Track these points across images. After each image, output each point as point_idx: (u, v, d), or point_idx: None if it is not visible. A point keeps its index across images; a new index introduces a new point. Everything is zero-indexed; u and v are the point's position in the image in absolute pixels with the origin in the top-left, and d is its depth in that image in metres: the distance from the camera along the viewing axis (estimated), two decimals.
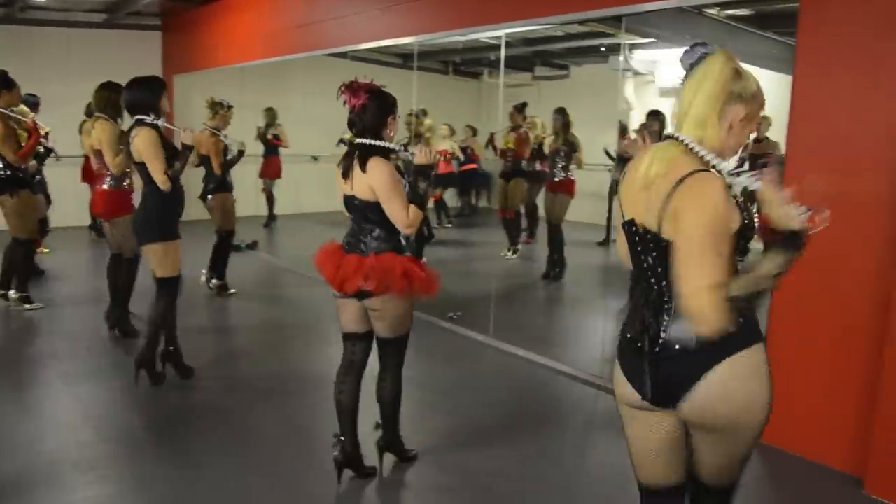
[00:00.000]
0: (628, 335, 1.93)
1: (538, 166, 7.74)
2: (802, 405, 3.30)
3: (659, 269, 1.82)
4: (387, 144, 2.97)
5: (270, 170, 9.98)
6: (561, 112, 7.14)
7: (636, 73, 7.83)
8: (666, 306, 1.83)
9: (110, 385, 4.29)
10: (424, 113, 8.35)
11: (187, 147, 4.12)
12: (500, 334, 5.35)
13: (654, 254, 1.81)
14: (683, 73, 1.87)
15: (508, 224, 8.06)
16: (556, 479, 3.31)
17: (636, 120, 7.87)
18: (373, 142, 2.93)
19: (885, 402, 3.14)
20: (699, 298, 1.66)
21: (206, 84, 9.54)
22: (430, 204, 9.91)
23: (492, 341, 5.33)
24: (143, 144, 3.95)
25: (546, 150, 7.50)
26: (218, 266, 6.50)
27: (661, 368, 1.83)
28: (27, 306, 5.76)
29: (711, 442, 1.91)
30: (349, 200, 3.02)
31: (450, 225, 10.32)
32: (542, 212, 7.81)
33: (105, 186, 4.94)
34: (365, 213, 2.97)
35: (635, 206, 1.86)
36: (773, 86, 2.28)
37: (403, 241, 3.06)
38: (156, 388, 4.18)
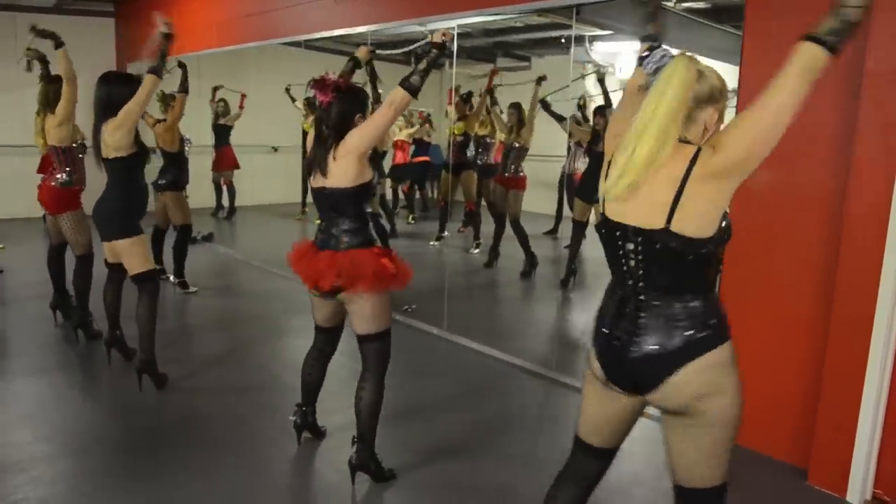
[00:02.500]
0: (604, 329, 1.94)
1: (488, 159, 7.76)
2: (746, 395, 3.30)
3: (640, 272, 1.84)
4: None
5: (225, 161, 9.78)
6: (516, 107, 7.07)
7: (597, 65, 7.83)
8: (643, 304, 1.85)
9: (53, 382, 4.18)
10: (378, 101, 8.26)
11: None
12: (452, 327, 5.32)
13: (641, 256, 1.82)
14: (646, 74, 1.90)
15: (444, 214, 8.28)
16: (511, 479, 3.27)
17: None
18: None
19: (827, 393, 3.15)
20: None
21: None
22: (389, 196, 9.89)
23: (445, 334, 5.28)
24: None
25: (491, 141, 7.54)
26: (178, 263, 6.37)
27: (635, 366, 1.86)
28: None
29: (681, 430, 1.89)
30: (319, 193, 2.97)
31: (413, 222, 10.28)
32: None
33: (54, 183, 4.78)
34: (336, 203, 2.91)
35: (622, 208, 1.84)
36: (729, 78, 2.25)
37: (373, 233, 3.05)
38: (121, 389, 4.07)
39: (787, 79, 1.63)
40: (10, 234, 8.19)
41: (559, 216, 7.90)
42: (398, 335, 5.23)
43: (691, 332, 1.80)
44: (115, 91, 3.91)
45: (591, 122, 6.34)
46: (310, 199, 3.31)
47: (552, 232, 8.10)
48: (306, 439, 3.47)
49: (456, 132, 7.74)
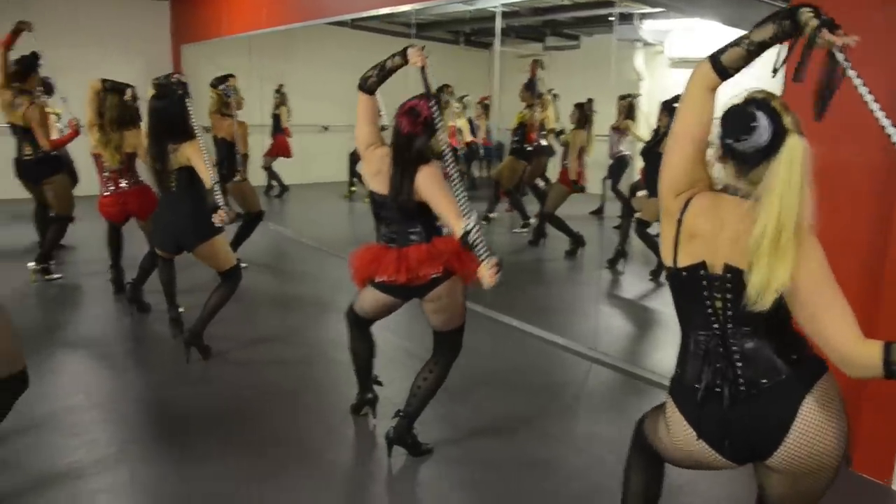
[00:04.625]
0: (694, 385, 1.82)
1: (543, 142, 7.71)
2: None
3: (729, 312, 1.76)
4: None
5: (276, 148, 9.94)
6: (579, 107, 6.92)
7: (647, 44, 7.71)
8: (733, 347, 1.77)
9: (107, 352, 4.34)
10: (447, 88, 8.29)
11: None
12: (497, 305, 5.34)
13: (730, 296, 1.74)
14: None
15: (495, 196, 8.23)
16: (548, 457, 3.30)
17: (646, 91, 7.82)
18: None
19: (873, 381, 3.08)
20: (860, 346, 1.57)
21: (214, 54, 9.53)
22: None
23: (488, 312, 5.31)
24: (195, 153, 3.90)
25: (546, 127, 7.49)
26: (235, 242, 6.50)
27: (750, 412, 1.75)
28: (47, 277, 5.80)
29: (794, 484, 1.79)
30: (385, 200, 2.95)
31: None
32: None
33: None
34: (407, 211, 2.90)
35: (708, 246, 1.76)
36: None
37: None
38: (185, 365, 4.14)
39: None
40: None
41: (605, 196, 7.85)
42: None
43: (793, 357, 1.73)
44: (174, 107, 3.98)
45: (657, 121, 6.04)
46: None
47: (598, 212, 8.05)
48: (337, 409, 3.59)
49: (516, 120, 7.71)
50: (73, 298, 5.54)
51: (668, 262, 1.86)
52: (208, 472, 3.01)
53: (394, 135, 2.90)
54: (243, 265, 6.36)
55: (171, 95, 4.02)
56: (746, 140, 1.67)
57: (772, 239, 1.60)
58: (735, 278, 1.71)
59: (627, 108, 7.16)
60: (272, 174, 10.22)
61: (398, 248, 2.94)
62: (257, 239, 7.68)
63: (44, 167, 5.60)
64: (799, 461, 1.72)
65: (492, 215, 8.39)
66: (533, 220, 8.03)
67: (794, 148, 1.62)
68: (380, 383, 3.56)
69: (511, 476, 3.07)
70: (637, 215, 6.22)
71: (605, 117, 7.15)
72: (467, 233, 2.61)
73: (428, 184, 2.81)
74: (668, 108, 5.62)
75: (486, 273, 2.54)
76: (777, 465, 1.76)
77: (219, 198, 3.70)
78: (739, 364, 1.76)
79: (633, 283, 6.51)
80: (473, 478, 3.06)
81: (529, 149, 7.68)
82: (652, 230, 5.88)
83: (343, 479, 3.06)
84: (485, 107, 9.66)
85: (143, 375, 4.07)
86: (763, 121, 1.65)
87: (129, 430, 3.38)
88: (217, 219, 3.64)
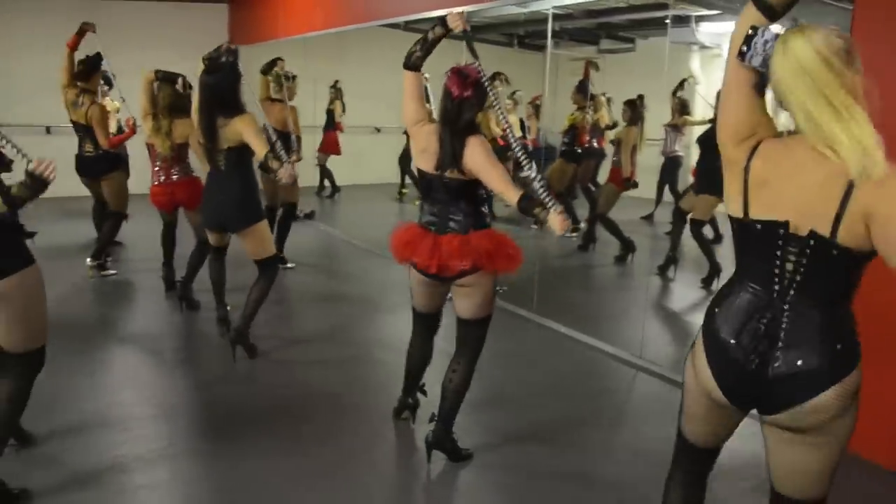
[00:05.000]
0: (730, 340, 1.75)
1: (595, 144, 7.63)
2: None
3: (798, 277, 1.66)
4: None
5: (327, 144, 10.03)
6: (630, 104, 6.85)
7: (703, 47, 7.56)
8: (785, 317, 1.68)
9: (156, 349, 4.44)
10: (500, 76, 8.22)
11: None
12: (542, 310, 5.29)
13: (805, 261, 1.64)
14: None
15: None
16: (588, 468, 3.25)
17: (703, 93, 7.66)
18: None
19: None
20: None
21: (269, 56, 9.64)
22: None
23: (534, 317, 5.27)
24: (247, 127, 3.85)
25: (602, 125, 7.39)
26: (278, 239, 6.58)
27: (774, 385, 1.70)
28: (102, 273, 5.95)
29: (798, 445, 1.76)
30: (433, 180, 2.92)
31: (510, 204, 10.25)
32: None
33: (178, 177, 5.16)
34: (453, 191, 2.88)
35: (785, 198, 1.64)
36: None
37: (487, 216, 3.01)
38: (230, 365, 4.18)
39: None
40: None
41: (658, 201, 7.72)
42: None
43: (837, 346, 1.66)
44: (225, 82, 3.93)
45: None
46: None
47: (649, 217, 7.92)
48: (380, 411, 3.60)
49: (567, 122, 7.66)
50: (125, 294, 5.68)
51: (736, 213, 1.73)
52: (249, 471, 3.03)
53: (443, 99, 2.87)
54: (290, 265, 6.49)
55: (222, 70, 3.97)
56: (748, 52, 1.61)
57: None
58: (819, 245, 1.60)
59: (681, 105, 7.04)
60: (326, 173, 10.29)
61: (435, 234, 2.92)
62: (306, 239, 7.78)
63: (103, 163, 5.77)
64: (799, 419, 1.69)
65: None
66: (583, 225, 7.95)
67: (790, 42, 1.55)
68: (424, 392, 3.54)
69: (550, 485, 3.03)
70: (690, 215, 6.08)
71: (658, 120, 7.04)
72: (525, 196, 2.63)
73: (477, 154, 2.78)
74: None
75: (556, 219, 2.61)
76: (777, 421, 1.74)
77: (282, 153, 3.75)
78: (783, 337, 1.68)
79: (684, 290, 6.38)
80: (512, 485, 3.03)
81: (580, 151, 7.61)
82: (706, 231, 5.77)
83: (382, 483, 3.05)
84: (535, 107, 9.58)
85: (190, 373, 4.14)
86: (759, 30, 1.60)
87: (174, 426, 3.43)
88: (283, 173, 3.62)
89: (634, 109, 6.79)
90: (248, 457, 3.14)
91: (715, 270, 5.94)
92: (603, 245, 7.43)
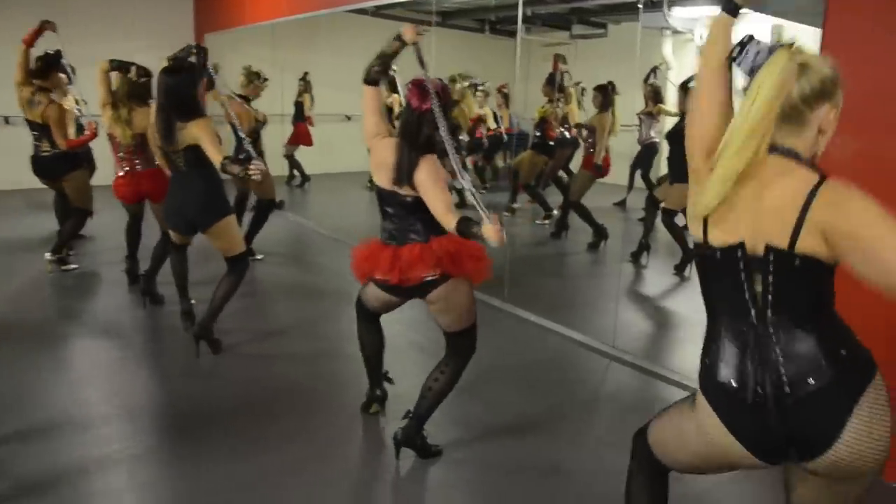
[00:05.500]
0: (732, 383, 1.66)
1: (567, 134, 7.58)
2: None
3: (769, 297, 1.59)
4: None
5: (297, 136, 9.91)
6: (601, 90, 6.80)
7: (675, 32, 7.51)
8: (774, 339, 1.60)
9: (119, 345, 4.32)
10: (460, 78, 8.16)
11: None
12: (514, 299, 5.23)
13: (771, 278, 1.58)
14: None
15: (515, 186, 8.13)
16: (561, 461, 3.19)
17: (674, 79, 7.62)
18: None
19: None
20: None
21: (237, 43, 9.48)
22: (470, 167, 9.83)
23: (506, 307, 5.21)
24: (203, 132, 3.76)
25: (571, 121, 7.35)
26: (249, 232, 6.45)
27: (798, 420, 1.59)
28: (63, 267, 5.78)
29: (828, 487, 1.67)
30: (390, 196, 2.87)
31: (484, 191, 10.22)
32: None
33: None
34: (412, 206, 2.82)
35: (747, 218, 1.60)
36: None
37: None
38: (192, 359, 4.07)
39: None
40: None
41: (630, 187, 7.70)
42: None
43: (841, 352, 1.58)
44: (183, 84, 3.85)
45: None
46: None
47: (621, 203, 7.90)
48: (348, 406, 3.52)
49: (537, 114, 7.61)
50: (88, 289, 5.52)
51: (696, 233, 1.69)
52: (214, 471, 2.93)
53: (405, 112, 2.83)
54: (259, 257, 6.37)
55: (181, 72, 3.88)
56: (739, 59, 1.62)
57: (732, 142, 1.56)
58: (779, 259, 1.56)
59: (654, 93, 7.01)
60: (294, 163, 10.18)
61: (396, 246, 2.86)
62: (275, 230, 7.64)
63: (61, 163, 5.54)
64: (842, 466, 1.58)
65: (514, 206, 8.27)
66: (556, 212, 7.90)
67: (778, 56, 1.55)
68: (390, 380, 3.48)
69: (522, 481, 2.96)
70: (662, 204, 6.04)
71: (631, 106, 6.99)
72: (462, 220, 2.58)
73: (424, 176, 2.73)
74: (686, 88, 5.60)
75: (490, 231, 2.51)
76: (818, 469, 1.62)
77: (250, 149, 3.73)
78: (782, 360, 1.59)
79: (657, 278, 6.35)
80: (482, 481, 2.96)
81: (551, 144, 7.56)
82: (679, 220, 5.72)
83: (350, 480, 2.97)
84: (504, 95, 9.52)
85: (154, 369, 4.03)
86: (756, 41, 1.60)
87: (137, 426, 3.32)
88: (253, 170, 3.50)
89: (606, 95, 6.74)
90: (213, 457, 3.04)
91: (688, 257, 5.91)
92: (575, 232, 7.40)
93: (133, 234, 5.36)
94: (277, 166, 9.98)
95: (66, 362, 4.04)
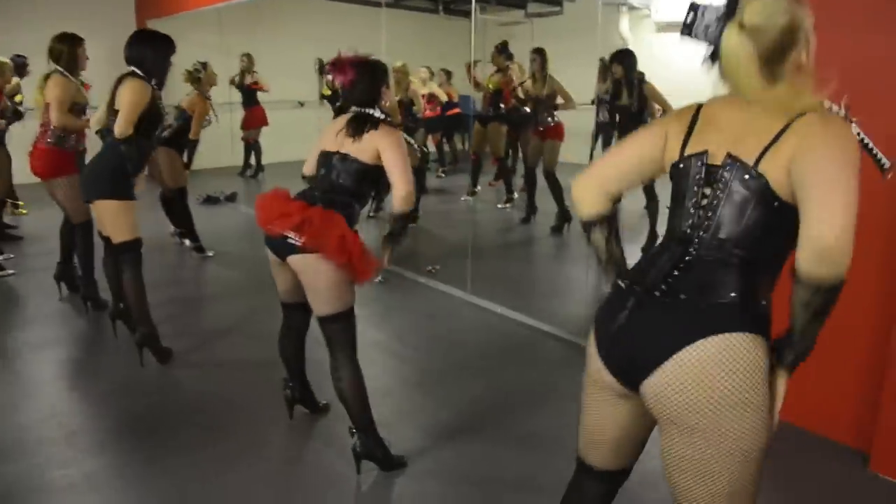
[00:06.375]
0: (620, 283, 1.63)
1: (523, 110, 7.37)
2: (805, 376, 2.96)
3: (710, 213, 1.51)
4: (382, 116, 2.83)
5: (255, 119, 9.56)
6: (539, 52, 6.65)
7: (632, 8, 7.36)
8: (689, 256, 1.53)
9: (57, 357, 4.03)
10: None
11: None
12: (477, 290, 5.04)
13: (720, 192, 1.50)
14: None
15: (476, 168, 7.87)
16: (532, 467, 3.00)
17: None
18: (374, 112, 2.82)
19: (892, 377, 2.81)
20: (842, 239, 1.31)
21: (183, 29, 9.07)
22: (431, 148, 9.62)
23: (470, 297, 5.01)
24: (128, 94, 3.61)
25: (521, 94, 7.11)
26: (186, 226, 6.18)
27: (643, 319, 1.52)
28: None
29: (680, 449, 1.51)
30: (331, 156, 2.82)
31: (443, 175, 10.03)
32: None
33: (46, 143, 4.53)
34: (348, 173, 2.77)
35: (718, 138, 1.54)
36: None
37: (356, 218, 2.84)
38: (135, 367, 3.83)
39: None
40: (29, 200, 7.99)
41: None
42: (419, 298, 5.05)
43: (742, 301, 1.46)
44: (141, 53, 3.77)
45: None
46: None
47: None
48: (307, 416, 3.30)
49: (490, 86, 7.38)
50: (23, 297, 5.16)
51: (673, 157, 1.62)
52: (160, 494, 2.70)
53: (341, 96, 2.87)
54: (209, 253, 6.09)
55: None
56: (692, 30, 1.53)
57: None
58: (735, 172, 1.48)
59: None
60: (256, 149, 9.85)
61: (309, 204, 2.69)
62: (228, 223, 7.38)
63: None
64: (669, 400, 1.47)
65: (476, 189, 8.07)
66: (516, 195, 7.75)
67: (726, 38, 1.47)
68: (315, 405, 3.33)
69: (492, 492, 2.77)
70: None
71: (590, 85, 6.81)
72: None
73: (389, 139, 2.73)
74: (619, 56, 5.81)
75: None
76: (646, 394, 1.53)
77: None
78: (677, 272, 1.51)
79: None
80: (450, 494, 2.75)
81: (512, 113, 7.36)
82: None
83: (308, 499, 2.74)
84: (447, 73, 9.38)
85: (94, 384, 3.73)
86: (702, 7, 1.52)
87: (75, 450, 3.05)
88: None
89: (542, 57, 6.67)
90: (157, 480, 2.80)
91: (654, 237, 5.79)
92: (542, 216, 7.19)
93: (66, 233, 4.96)
94: (229, 156, 9.68)
95: (2, 382, 3.75)
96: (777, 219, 1.45)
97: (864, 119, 1.52)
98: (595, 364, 1.64)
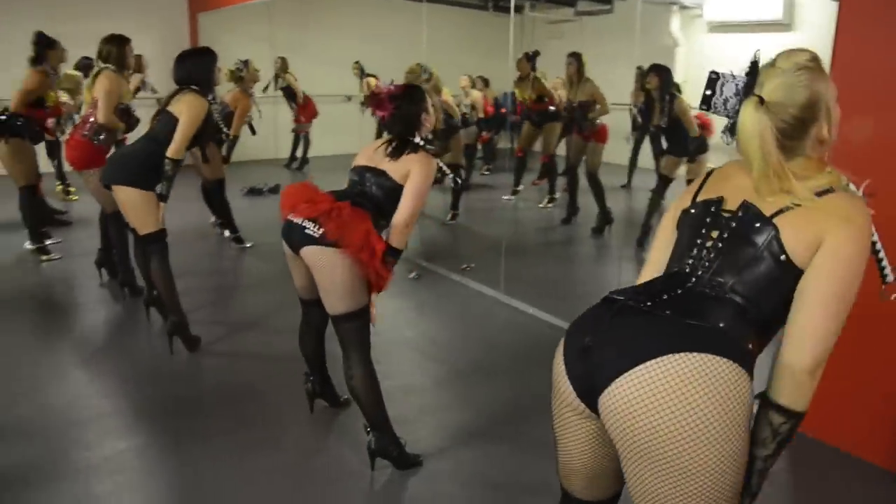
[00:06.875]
0: (612, 295, 1.53)
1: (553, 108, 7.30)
2: (839, 396, 2.85)
3: (712, 255, 1.48)
4: (422, 143, 2.87)
5: (308, 112, 9.60)
6: (575, 57, 6.50)
7: (683, 7, 7.22)
8: (689, 283, 1.48)
9: (91, 341, 4.12)
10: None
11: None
12: (511, 290, 4.99)
13: (727, 235, 1.47)
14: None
15: (521, 166, 7.80)
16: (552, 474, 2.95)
17: (683, 57, 7.32)
18: (414, 139, 2.86)
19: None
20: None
21: (233, 22, 9.23)
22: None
23: (503, 297, 4.96)
24: (188, 110, 3.68)
25: (556, 98, 7.03)
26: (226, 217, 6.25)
27: (619, 325, 1.42)
28: (43, 258, 5.58)
29: (639, 478, 1.39)
30: (368, 171, 2.86)
31: (488, 172, 10.00)
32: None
33: (82, 135, 4.64)
34: (380, 191, 2.81)
35: (728, 185, 1.55)
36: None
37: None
38: (169, 357, 3.88)
39: None
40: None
41: (632, 167, 7.43)
42: (452, 296, 5.02)
43: (720, 325, 1.39)
44: (189, 70, 3.83)
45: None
46: None
47: (626, 186, 7.63)
48: (328, 410, 3.30)
49: (526, 96, 7.31)
50: (67, 280, 5.29)
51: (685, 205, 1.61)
52: (184, 479, 2.73)
53: (386, 127, 2.87)
54: (248, 244, 6.15)
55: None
56: (711, 103, 1.53)
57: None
58: (748, 215, 1.45)
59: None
60: (305, 142, 9.89)
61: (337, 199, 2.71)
62: (269, 214, 7.41)
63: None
64: (622, 419, 1.33)
65: (519, 188, 8.01)
66: (558, 195, 7.67)
67: (743, 115, 1.45)
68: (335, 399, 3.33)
69: (508, 497, 2.72)
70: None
71: (630, 84, 6.71)
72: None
73: (420, 168, 2.76)
74: (657, 69, 5.69)
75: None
76: (602, 412, 1.39)
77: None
78: (667, 296, 1.44)
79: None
80: (462, 496, 2.72)
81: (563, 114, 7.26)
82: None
83: (317, 496, 2.72)
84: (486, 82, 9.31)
85: (125, 369, 3.79)
86: (721, 78, 1.52)
87: (104, 432, 3.11)
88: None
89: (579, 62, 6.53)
90: (177, 465, 2.83)
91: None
92: (583, 217, 7.09)
93: (104, 220, 5.04)
94: (273, 149, 9.77)
95: (31, 366, 3.83)
96: (779, 273, 1.41)
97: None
98: (561, 383, 1.52)
